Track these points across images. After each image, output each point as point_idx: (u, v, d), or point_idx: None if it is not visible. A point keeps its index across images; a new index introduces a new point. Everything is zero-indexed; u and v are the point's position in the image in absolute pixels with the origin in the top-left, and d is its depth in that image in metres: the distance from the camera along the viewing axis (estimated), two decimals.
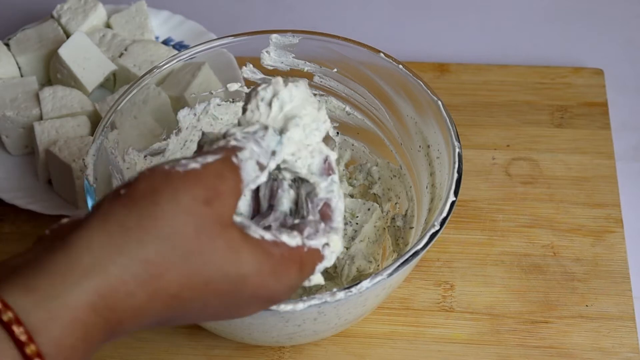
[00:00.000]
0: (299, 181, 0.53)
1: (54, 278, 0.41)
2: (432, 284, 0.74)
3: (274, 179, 0.53)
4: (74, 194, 0.77)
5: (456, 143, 0.64)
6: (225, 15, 1.00)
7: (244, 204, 0.52)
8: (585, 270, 0.75)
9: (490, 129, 0.85)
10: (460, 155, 0.64)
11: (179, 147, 0.75)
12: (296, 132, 0.51)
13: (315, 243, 0.50)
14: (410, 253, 0.58)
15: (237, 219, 0.47)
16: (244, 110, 0.52)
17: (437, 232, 0.60)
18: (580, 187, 0.80)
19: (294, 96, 0.52)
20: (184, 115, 0.75)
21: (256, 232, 0.47)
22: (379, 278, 0.57)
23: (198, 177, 0.45)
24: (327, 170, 0.52)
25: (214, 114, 0.76)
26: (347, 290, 0.56)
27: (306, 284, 0.51)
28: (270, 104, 0.51)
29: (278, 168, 0.52)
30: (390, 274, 0.57)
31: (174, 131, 0.75)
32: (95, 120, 0.83)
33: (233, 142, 0.48)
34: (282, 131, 0.51)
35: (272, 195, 0.53)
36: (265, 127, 0.50)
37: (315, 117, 0.52)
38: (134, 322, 0.44)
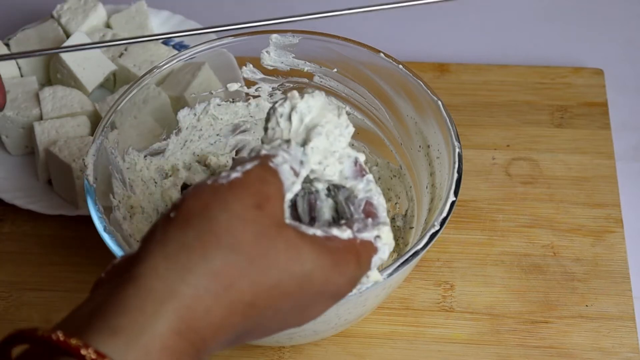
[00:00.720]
0: (334, 190, 0.53)
1: (133, 314, 0.41)
2: (432, 284, 0.74)
3: (310, 193, 0.53)
4: (74, 194, 0.78)
5: (456, 143, 0.64)
6: (225, 16, 1.00)
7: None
8: (585, 270, 0.75)
9: (490, 129, 0.85)
10: (460, 155, 0.64)
11: (179, 147, 0.75)
12: (319, 140, 0.50)
13: (367, 235, 0.49)
14: (410, 253, 0.58)
15: (287, 221, 0.47)
16: (266, 130, 0.52)
17: (437, 232, 0.60)
18: (580, 187, 0.80)
19: (312, 106, 0.52)
20: (184, 115, 0.75)
21: (308, 230, 0.47)
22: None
23: (243, 185, 0.45)
24: (360, 171, 0.52)
25: (214, 114, 0.76)
26: None
27: (365, 281, 0.50)
28: (289, 119, 0.51)
29: (309, 180, 0.52)
30: (390, 274, 0.57)
31: (174, 131, 0.75)
32: (95, 120, 0.83)
33: (264, 152, 0.48)
34: (305, 142, 0.51)
35: (312, 208, 0.53)
36: (288, 141, 0.50)
37: (337, 123, 0.52)
38: (216, 340, 0.43)
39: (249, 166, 0.46)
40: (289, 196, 0.48)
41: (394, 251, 0.72)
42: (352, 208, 0.52)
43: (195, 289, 0.42)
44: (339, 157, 0.52)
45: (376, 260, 0.50)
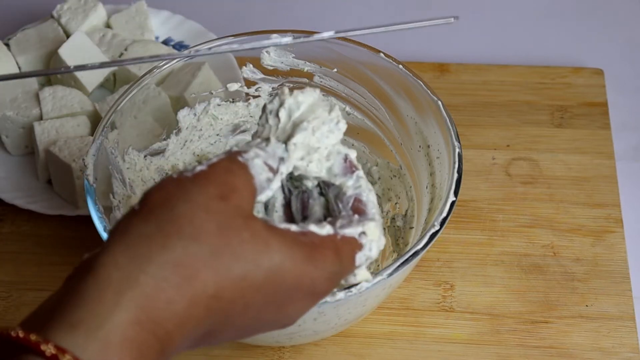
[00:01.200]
0: (325, 187, 0.53)
1: (92, 305, 0.40)
2: (432, 284, 0.74)
3: (303, 192, 0.52)
4: (74, 194, 0.78)
5: (456, 143, 0.64)
6: (225, 15, 1.00)
7: (277, 219, 0.52)
8: (585, 270, 0.75)
9: (490, 129, 0.85)
10: (460, 155, 0.64)
11: (179, 147, 0.75)
12: (303, 136, 0.50)
13: (350, 231, 0.49)
14: (410, 253, 0.58)
15: (259, 215, 0.47)
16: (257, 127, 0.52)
17: (437, 232, 0.60)
18: (580, 187, 0.80)
19: (301, 102, 0.52)
20: (184, 115, 0.75)
21: (280, 224, 0.46)
22: (379, 278, 0.57)
23: (207, 177, 0.45)
24: (349, 168, 0.52)
25: (214, 114, 0.76)
26: (347, 290, 0.56)
27: (352, 279, 0.50)
28: (277, 115, 0.51)
29: (299, 178, 0.52)
30: (390, 274, 0.57)
31: (174, 131, 0.75)
32: (95, 120, 0.83)
33: (235, 149, 0.48)
34: (289, 138, 0.50)
35: (304, 207, 0.52)
36: (267, 139, 0.50)
37: (326, 119, 0.51)
38: (182, 334, 0.42)
39: (215, 159, 0.46)
40: (268, 194, 0.48)
41: (394, 251, 0.72)
42: (340, 205, 0.51)
43: (155, 279, 0.41)
44: (327, 154, 0.52)
45: (361, 257, 0.49)
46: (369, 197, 0.52)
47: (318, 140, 0.51)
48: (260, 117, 0.52)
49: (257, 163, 0.47)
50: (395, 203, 0.74)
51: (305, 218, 0.52)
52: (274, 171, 0.48)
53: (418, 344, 0.71)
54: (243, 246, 0.44)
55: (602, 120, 0.85)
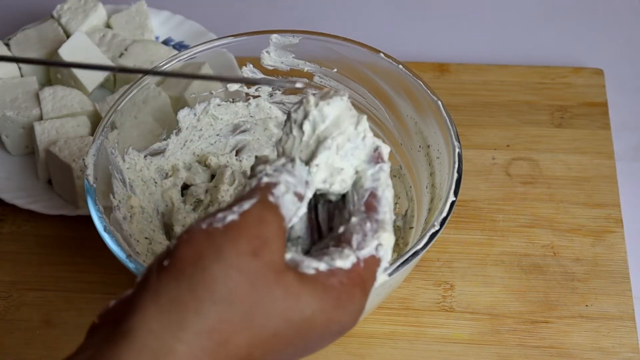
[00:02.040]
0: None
1: None
2: (432, 284, 0.74)
3: (329, 202, 0.51)
4: (74, 194, 0.78)
5: (456, 143, 0.64)
6: (225, 15, 1.00)
7: (300, 227, 0.51)
8: (585, 270, 0.75)
9: (490, 129, 0.85)
10: (460, 155, 0.64)
11: (179, 147, 0.75)
12: (324, 156, 0.48)
13: (368, 250, 0.48)
14: (410, 253, 0.58)
15: (288, 256, 0.46)
16: (283, 134, 0.50)
17: (437, 232, 0.60)
18: (580, 187, 0.80)
19: (327, 115, 0.49)
20: (184, 115, 0.75)
21: (309, 267, 0.45)
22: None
23: (239, 230, 0.43)
24: (376, 158, 0.50)
25: (214, 114, 0.76)
26: None
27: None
28: (301, 127, 0.49)
29: (324, 193, 0.51)
30: (390, 274, 0.57)
31: (174, 131, 0.75)
32: (95, 120, 0.83)
33: (265, 179, 0.46)
34: (312, 157, 0.49)
35: (330, 218, 0.51)
36: (292, 159, 0.48)
37: (352, 134, 0.49)
38: None
39: (246, 206, 0.44)
40: (294, 220, 0.47)
41: (394, 251, 0.72)
42: (355, 197, 0.50)
43: (190, 347, 0.41)
44: (353, 173, 0.50)
45: (380, 270, 0.49)
46: (385, 194, 0.50)
47: (342, 159, 0.49)
48: (285, 126, 0.50)
49: (287, 199, 0.46)
50: (395, 203, 0.74)
51: (331, 229, 0.51)
52: (302, 197, 0.47)
53: (418, 344, 0.71)
54: (275, 304, 0.43)
55: (602, 120, 0.85)
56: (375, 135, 0.74)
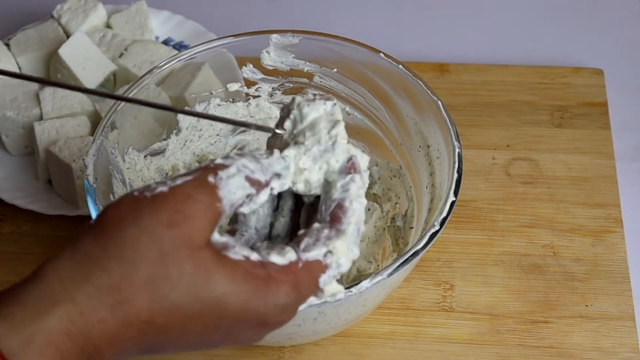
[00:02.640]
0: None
1: (27, 306, 0.43)
2: (432, 284, 0.74)
3: (310, 204, 0.51)
4: (74, 194, 0.78)
5: (456, 143, 0.64)
6: (225, 15, 1.00)
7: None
8: (585, 270, 0.75)
9: (490, 129, 0.85)
10: (460, 155, 0.64)
11: (179, 147, 0.75)
12: (292, 152, 0.49)
13: (314, 254, 0.47)
14: (410, 253, 0.58)
15: (222, 239, 0.46)
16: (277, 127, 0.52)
17: (437, 232, 0.59)
18: (580, 187, 0.80)
19: (305, 116, 0.51)
20: (183, 115, 0.75)
21: (238, 253, 0.46)
22: (379, 278, 0.57)
23: (164, 201, 0.45)
24: (348, 169, 0.50)
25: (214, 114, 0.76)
26: (347, 290, 0.56)
27: (316, 300, 0.49)
28: (283, 124, 0.51)
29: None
30: (390, 274, 0.57)
31: (174, 131, 0.75)
32: (95, 120, 0.83)
33: (219, 161, 0.47)
34: (285, 150, 0.49)
35: (309, 219, 0.51)
36: (272, 151, 0.49)
37: (322, 138, 0.50)
38: (111, 350, 0.44)
39: (179, 181, 0.46)
40: (252, 207, 0.47)
41: (394, 251, 0.72)
42: (323, 208, 0.50)
43: (90, 299, 0.43)
44: (319, 176, 0.50)
45: (326, 278, 0.48)
46: (353, 205, 0.49)
47: (309, 160, 0.50)
48: (278, 120, 0.52)
49: (233, 182, 0.46)
50: (395, 203, 0.74)
51: None
52: (261, 185, 0.48)
53: (418, 344, 0.71)
54: (182, 278, 0.44)
55: (602, 120, 0.85)
56: (375, 135, 0.75)
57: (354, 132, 0.77)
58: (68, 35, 0.89)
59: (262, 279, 0.46)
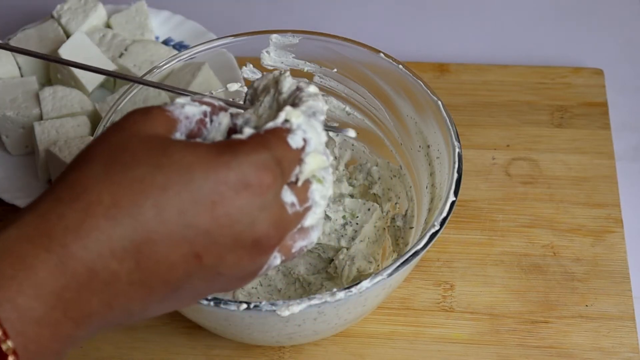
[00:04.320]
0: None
1: None
2: (432, 284, 0.74)
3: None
4: None
5: (456, 143, 0.64)
6: (225, 15, 1.00)
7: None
8: (585, 270, 0.75)
9: (490, 129, 0.85)
10: (460, 155, 0.64)
11: None
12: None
13: (272, 124, 0.47)
14: (410, 253, 0.58)
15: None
16: None
17: (437, 232, 0.60)
18: (580, 187, 0.80)
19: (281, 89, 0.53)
20: None
21: (196, 141, 0.46)
22: (379, 278, 0.57)
23: (125, 117, 0.46)
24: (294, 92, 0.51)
25: None
26: (347, 290, 0.56)
27: (306, 168, 0.47)
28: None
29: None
30: (390, 274, 0.57)
31: None
32: (95, 120, 0.83)
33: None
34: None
35: None
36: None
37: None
38: (81, 245, 0.41)
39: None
40: (224, 122, 0.48)
41: (394, 251, 0.72)
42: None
43: (48, 201, 0.42)
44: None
45: (295, 139, 0.46)
46: (304, 93, 0.50)
47: (265, 107, 0.51)
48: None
49: (181, 100, 0.48)
50: (395, 203, 0.74)
51: None
52: (215, 107, 0.49)
53: (418, 344, 0.71)
54: (136, 156, 0.43)
55: (602, 120, 0.85)
56: (375, 135, 0.75)
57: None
58: (68, 35, 0.89)
59: (221, 145, 0.45)
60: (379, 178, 0.76)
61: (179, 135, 0.46)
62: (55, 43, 0.87)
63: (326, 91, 0.75)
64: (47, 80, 0.88)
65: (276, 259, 0.48)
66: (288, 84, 0.52)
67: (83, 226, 0.42)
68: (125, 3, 0.92)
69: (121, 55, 0.87)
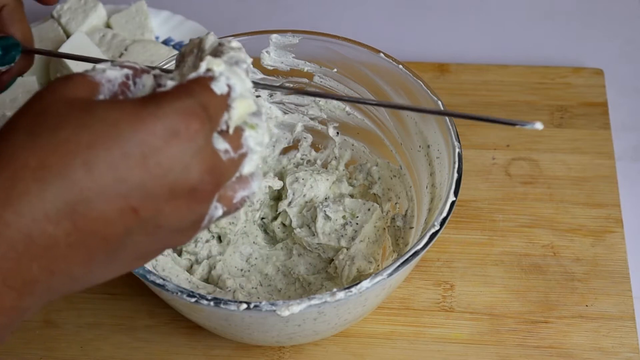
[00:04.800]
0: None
1: None
2: (432, 284, 0.74)
3: None
4: None
5: (456, 143, 0.64)
6: (225, 15, 1.00)
7: None
8: (585, 270, 0.75)
9: (490, 129, 0.85)
10: (460, 155, 0.64)
11: None
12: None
13: (193, 75, 0.46)
14: (410, 253, 0.58)
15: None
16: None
17: (437, 232, 0.60)
18: (580, 187, 0.80)
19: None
20: None
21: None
22: (379, 278, 0.57)
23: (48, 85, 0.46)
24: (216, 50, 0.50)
25: None
26: (347, 290, 0.56)
27: (234, 113, 0.46)
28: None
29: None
30: (390, 274, 0.57)
31: None
32: None
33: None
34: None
35: None
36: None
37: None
38: (14, 210, 0.41)
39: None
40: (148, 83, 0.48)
41: (394, 251, 0.72)
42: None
43: None
44: None
45: (219, 85, 0.46)
46: (231, 44, 0.50)
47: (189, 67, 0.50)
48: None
49: (101, 65, 0.47)
50: (395, 203, 0.74)
51: None
52: (137, 69, 0.48)
53: (418, 344, 0.71)
54: (60, 118, 0.42)
55: (602, 120, 0.85)
56: (375, 135, 0.75)
57: (354, 132, 0.77)
58: (68, 35, 0.89)
59: (148, 96, 0.44)
60: (379, 178, 0.76)
61: (102, 97, 0.46)
62: (55, 43, 0.87)
63: (326, 91, 0.75)
64: (47, 80, 0.88)
65: (217, 209, 0.48)
66: (210, 41, 0.51)
67: (13, 192, 0.41)
68: (125, 3, 0.93)
69: (121, 55, 0.87)
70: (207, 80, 0.46)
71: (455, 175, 0.63)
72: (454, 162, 0.63)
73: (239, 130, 0.48)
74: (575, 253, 0.76)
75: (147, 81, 0.48)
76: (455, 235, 0.77)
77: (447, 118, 0.66)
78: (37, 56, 0.87)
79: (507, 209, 0.79)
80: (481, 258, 0.76)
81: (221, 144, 0.46)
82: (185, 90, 0.45)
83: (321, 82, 0.75)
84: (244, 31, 0.73)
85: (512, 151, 0.83)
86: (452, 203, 0.61)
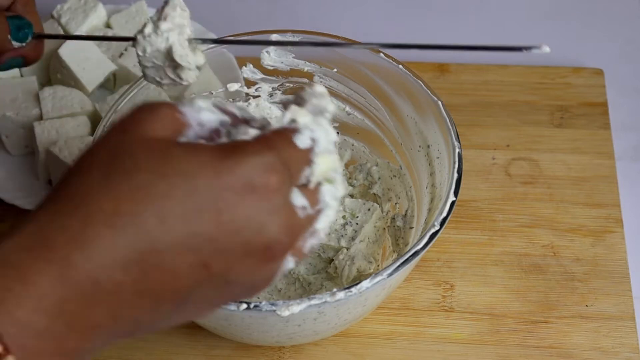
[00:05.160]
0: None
1: None
2: (432, 284, 0.74)
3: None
4: None
5: (456, 143, 0.64)
6: (225, 15, 1.00)
7: None
8: (585, 270, 0.75)
9: (490, 129, 0.85)
10: (460, 155, 0.64)
11: None
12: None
13: (277, 126, 0.44)
14: (410, 253, 0.58)
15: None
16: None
17: (437, 232, 0.60)
18: (580, 187, 0.80)
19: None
20: None
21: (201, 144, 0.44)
22: (379, 278, 0.57)
23: (128, 114, 0.44)
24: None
25: None
26: (347, 290, 0.56)
27: (317, 170, 0.45)
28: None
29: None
30: (390, 274, 0.57)
31: None
32: (95, 120, 0.83)
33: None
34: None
35: None
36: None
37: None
38: (85, 257, 0.40)
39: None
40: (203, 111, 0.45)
41: (394, 251, 0.72)
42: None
43: (49, 213, 0.41)
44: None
45: (302, 139, 0.45)
46: (315, 89, 0.48)
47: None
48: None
49: (198, 101, 0.45)
50: (395, 203, 0.74)
51: None
52: (237, 117, 0.46)
53: (418, 344, 0.71)
54: (137, 162, 0.41)
55: (602, 120, 0.85)
56: (375, 135, 0.75)
57: (354, 132, 0.77)
58: None
59: (227, 145, 0.43)
60: (379, 178, 0.76)
61: (184, 140, 0.44)
62: (55, 43, 0.87)
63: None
64: (47, 80, 0.88)
65: (289, 262, 0.46)
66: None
67: (84, 235, 0.40)
68: (125, 3, 0.92)
69: (121, 55, 0.87)
70: (290, 132, 0.45)
71: (455, 175, 0.63)
72: (454, 162, 0.63)
73: (317, 184, 0.46)
74: (575, 253, 0.76)
75: (240, 129, 0.45)
76: (455, 235, 0.77)
77: (447, 119, 0.66)
78: None
79: (507, 209, 0.79)
80: (481, 258, 0.76)
81: (299, 200, 0.45)
82: (267, 144, 0.43)
83: (321, 82, 0.75)
84: (244, 31, 0.73)
85: (512, 151, 0.83)
86: (452, 203, 0.61)
